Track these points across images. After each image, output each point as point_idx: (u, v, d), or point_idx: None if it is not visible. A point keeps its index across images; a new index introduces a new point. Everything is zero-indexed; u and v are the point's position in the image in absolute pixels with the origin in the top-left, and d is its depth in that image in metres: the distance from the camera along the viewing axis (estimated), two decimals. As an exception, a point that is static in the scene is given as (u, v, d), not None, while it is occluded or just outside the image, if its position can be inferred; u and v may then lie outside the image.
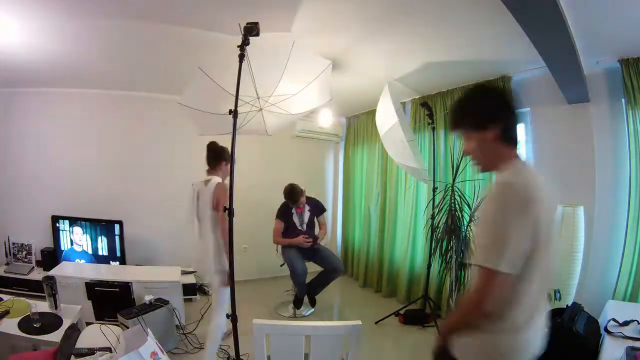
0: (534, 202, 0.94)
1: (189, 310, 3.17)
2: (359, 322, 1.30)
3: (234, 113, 1.85)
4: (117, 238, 3.64)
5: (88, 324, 2.18)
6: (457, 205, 2.84)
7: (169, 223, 4.08)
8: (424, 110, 3.24)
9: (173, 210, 4.10)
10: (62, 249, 3.55)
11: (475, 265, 0.96)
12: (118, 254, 3.66)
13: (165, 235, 4.05)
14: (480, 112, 1.08)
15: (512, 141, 1.08)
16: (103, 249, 3.65)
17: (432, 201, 3.17)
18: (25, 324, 1.93)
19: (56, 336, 1.83)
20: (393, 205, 4.04)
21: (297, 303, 3.39)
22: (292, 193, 3.44)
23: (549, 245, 1.01)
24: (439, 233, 2.99)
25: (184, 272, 3.49)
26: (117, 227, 3.63)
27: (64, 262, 3.29)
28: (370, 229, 4.42)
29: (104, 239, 3.65)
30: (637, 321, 1.79)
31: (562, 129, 2.73)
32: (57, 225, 3.55)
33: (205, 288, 3.86)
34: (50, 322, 1.98)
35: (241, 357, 1.98)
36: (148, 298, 2.64)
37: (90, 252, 3.62)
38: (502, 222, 0.93)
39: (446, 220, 2.91)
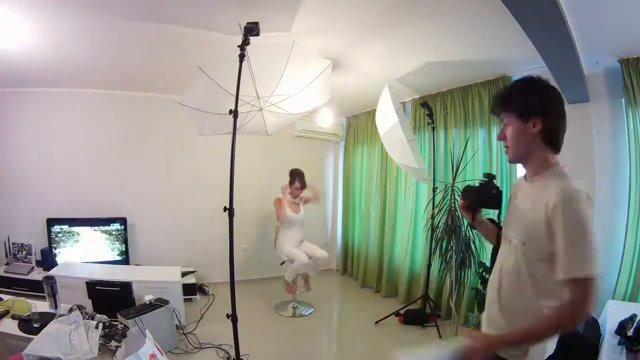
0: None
1: (189, 310, 3.17)
2: None
3: (234, 113, 1.86)
4: (121, 235, 3.69)
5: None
6: (457, 205, 2.85)
7: (170, 223, 4.09)
8: (424, 110, 3.24)
9: (174, 210, 4.11)
10: (59, 250, 3.55)
11: (571, 278, 0.90)
12: (122, 252, 3.69)
13: (166, 235, 4.05)
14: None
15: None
16: (107, 248, 3.67)
17: (432, 201, 3.18)
18: (25, 324, 1.93)
19: (56, 336, 1.82)
20: (393, 205, 4.04)
21: None
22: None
23: None
24: (439, 233, 3.00)
25: (184, 273, 3.49)
26: (119, 224, 3.66)
27: (64, 262, 3.29)
28: (370, 229, 4.41)
29: (108, 238, 3.68)
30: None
31: (562, 129, 2.73)
32: (52, 227, 3.52)
33: (205, 288, 3.86)
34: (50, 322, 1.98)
35: (241, 357, 1.98)
36: (148, 298, 2.64)
37: (93, 251, 3.62)
38: (591, 228, 0.91)
39: (446, 220, 2.92)
